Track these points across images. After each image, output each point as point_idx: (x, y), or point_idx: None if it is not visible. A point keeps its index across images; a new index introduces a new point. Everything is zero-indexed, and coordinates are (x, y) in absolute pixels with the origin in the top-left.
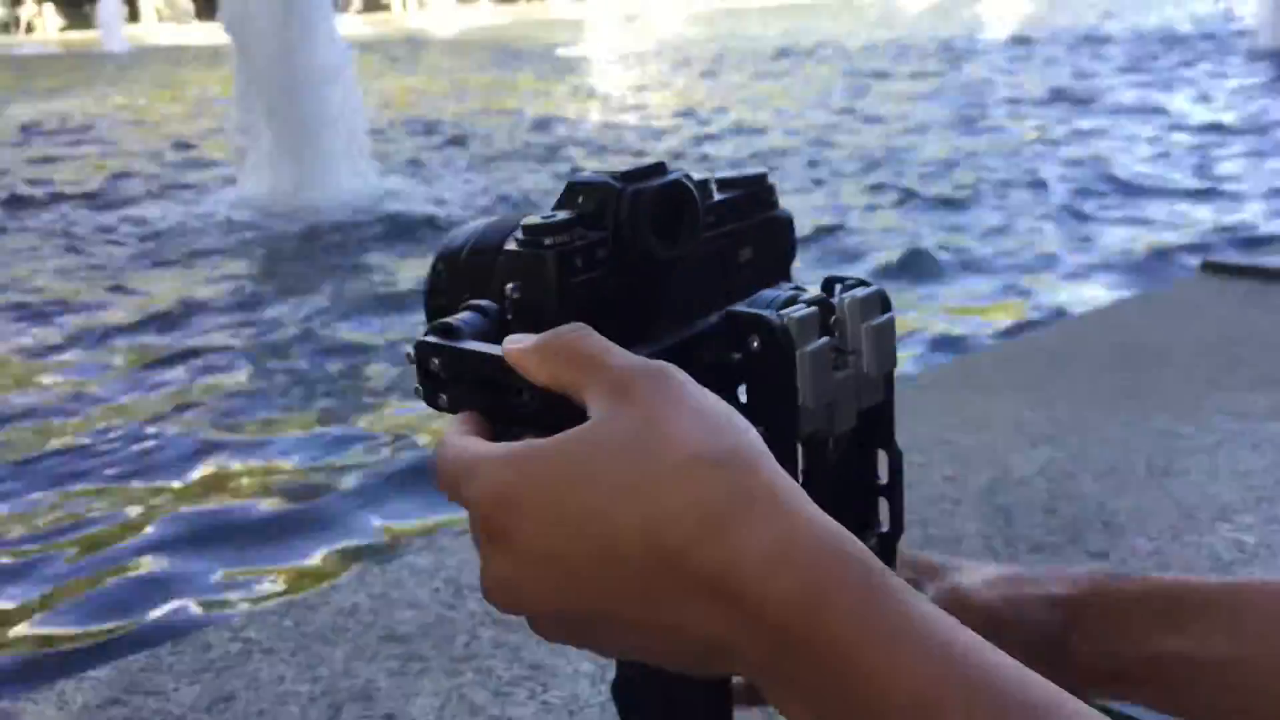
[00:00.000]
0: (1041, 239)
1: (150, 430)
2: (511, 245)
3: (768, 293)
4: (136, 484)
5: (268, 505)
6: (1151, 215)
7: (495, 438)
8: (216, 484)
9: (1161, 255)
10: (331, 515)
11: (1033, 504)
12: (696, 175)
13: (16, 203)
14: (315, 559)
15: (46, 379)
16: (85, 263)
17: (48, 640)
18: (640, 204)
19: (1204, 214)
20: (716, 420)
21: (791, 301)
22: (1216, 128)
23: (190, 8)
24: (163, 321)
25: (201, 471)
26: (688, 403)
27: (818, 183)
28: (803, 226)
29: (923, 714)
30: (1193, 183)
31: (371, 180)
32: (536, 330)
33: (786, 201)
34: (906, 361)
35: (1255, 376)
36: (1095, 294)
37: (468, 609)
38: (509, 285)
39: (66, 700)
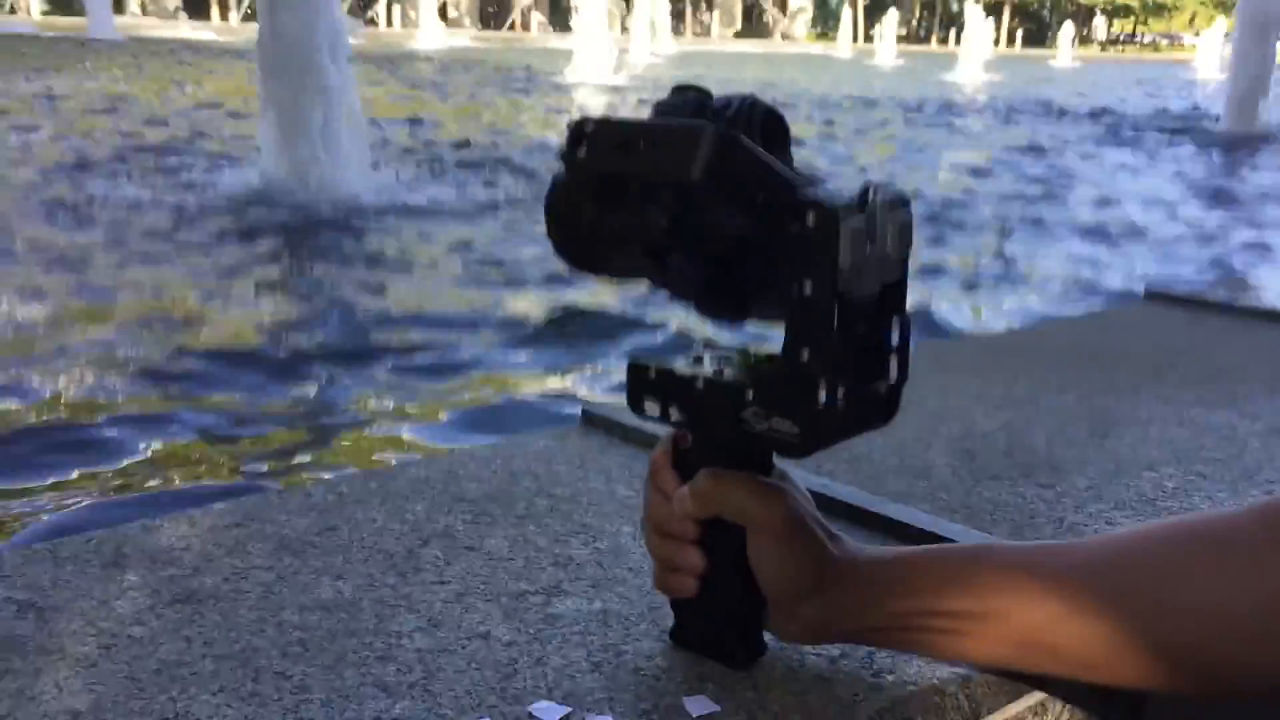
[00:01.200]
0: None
1: None
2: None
3: (827, 186)
4: None
5: None
6: None
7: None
8: None
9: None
10: None
11: (993, 449)
12: None
13: None
14: None
15: None
16: None
17: None
18: (756, 108)
19: None
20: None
21: (839, 193)
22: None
23: (176, 3)
24: None
25: None
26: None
27: None
28: None
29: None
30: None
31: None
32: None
33: None
34: None
35: (1185, 377)
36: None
37: (523, 485)
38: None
39: (196, 522)
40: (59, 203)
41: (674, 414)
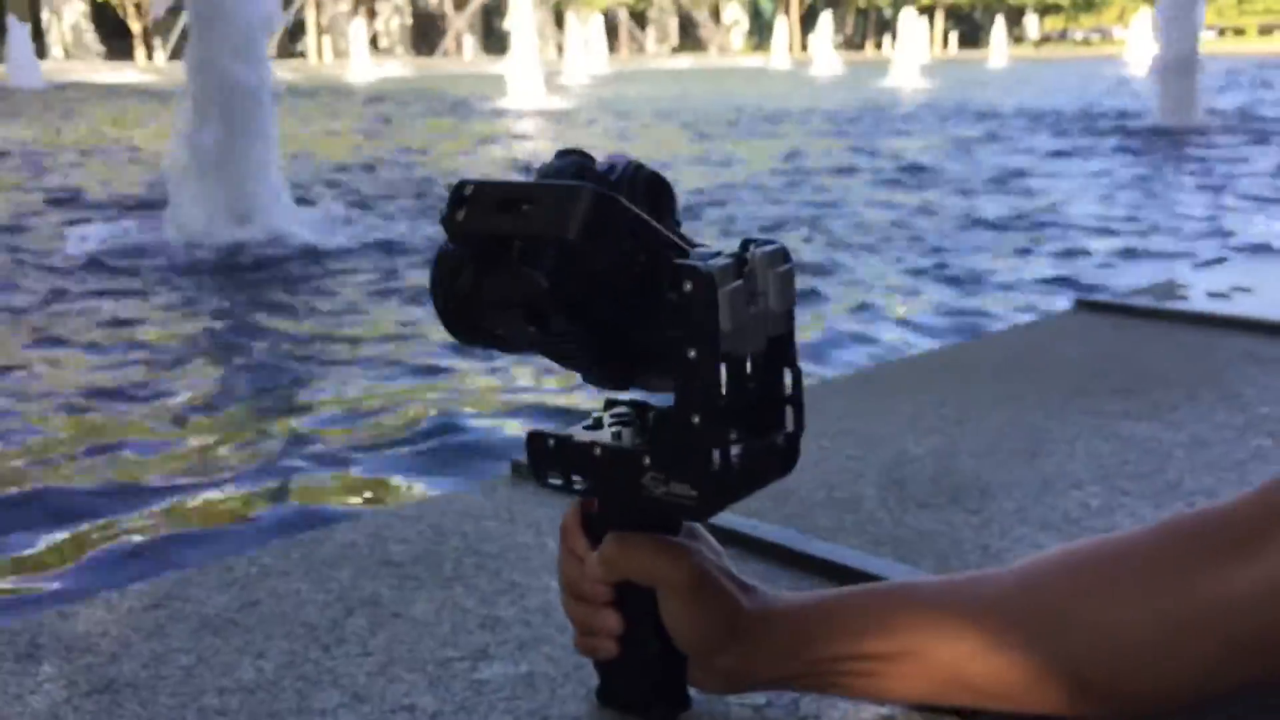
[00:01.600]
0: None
1: None
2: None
3: (699, 250)
4: None
5: None
6: None
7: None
8: None
9: None
10: None
11: (921, 476)
12: None
13: None
14: None
15: None
16: None
17: None
18: (641, 171)
19: None
20: None
21: (716, 255)
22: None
23: (98, 47)
24: None
25: None
26: None
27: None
28: None
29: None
30: None
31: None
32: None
33: None
34: None
35: (1113, 387)
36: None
37: (451, 543)
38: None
39: (113, 606)
40: None
41: (577, 482)
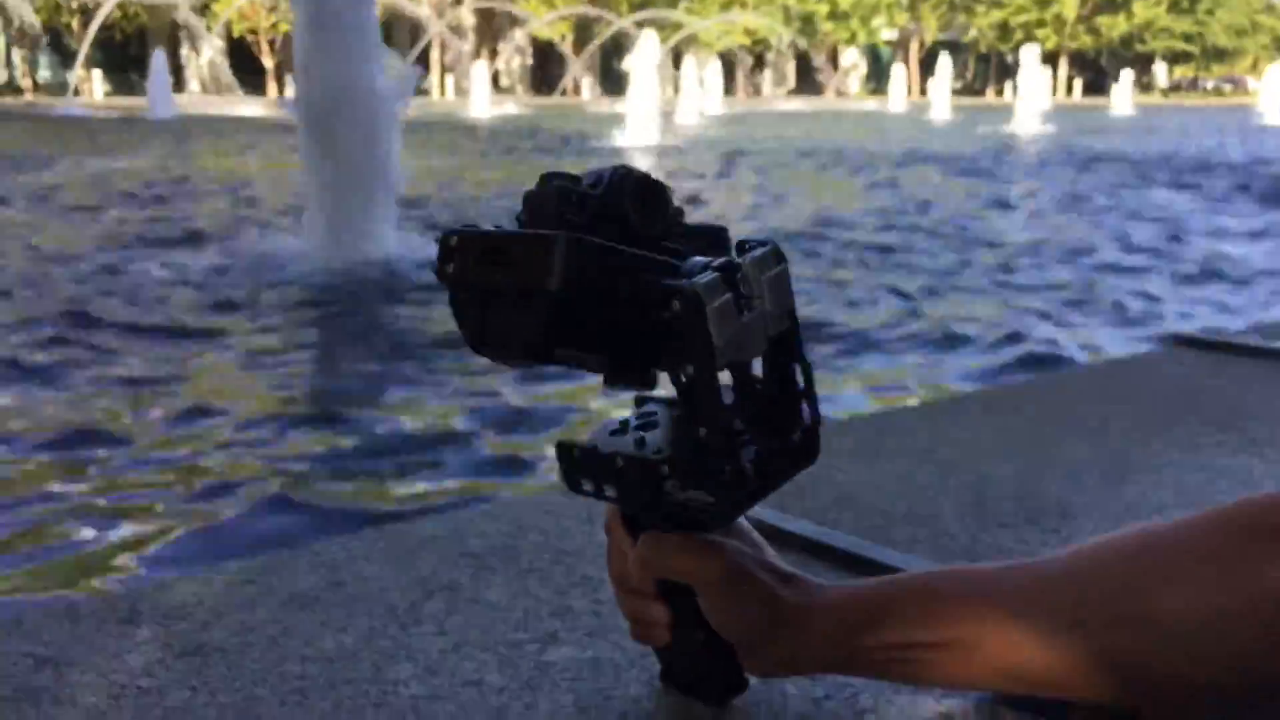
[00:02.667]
0: None
1: None
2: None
3: (690, 263)
4: None
5: None
6: None
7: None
8: None
9: None
10: None
11: (1002, 496)
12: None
13: None
14: None
15: None
16: None
17: None
18: (628, 178)
19: None
20: None
21: (705, 267)
22: None
23: (232, 82)
24: None
25: None
26: None
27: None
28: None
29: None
30: None
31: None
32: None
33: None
34: None
35: (1207, 420)
36: None
37: (529, 539)
38: (519, 214)
39: (209, 581)
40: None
41: (607, 490)
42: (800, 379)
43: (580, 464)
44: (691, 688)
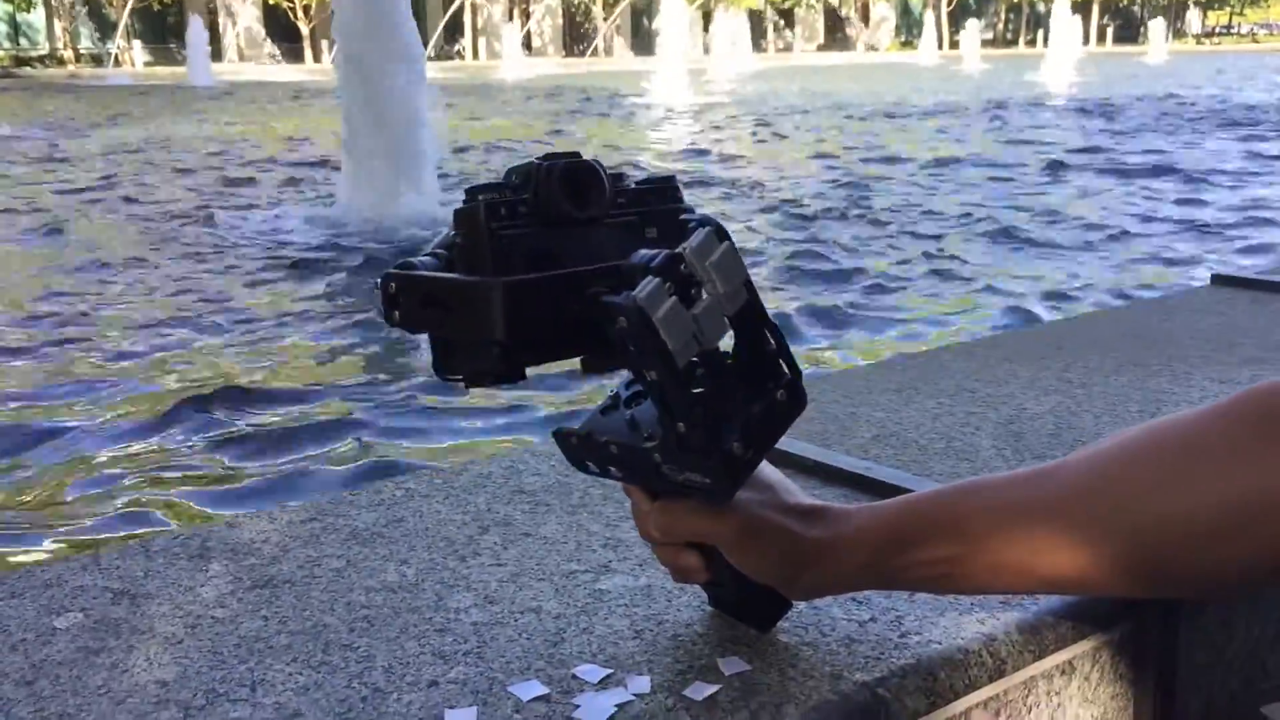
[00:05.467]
0: None
1: None
2: (457, 205)
3: (635, 258)
4: None
5: None
6: None
7: None
8: None
9: None
10: None
11: (1040, 431)
12: (612, 170)
13: None
14: None
15: None
16: None
17: None
18: (553, 172)
19: None
20: None
21: (651, 261)
22: None
23: (270, 49)
24: None
25: None
26: None
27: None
28: None
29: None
30: None
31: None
32: (472, 272)
33: None
34: None
35: (1245, 357)
36: None
37: (580, 477)
38: (454, 234)
39: (275, 518)
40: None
41: (612, 470)
42: (771, 341)
43: (579, 450)
44: (739, 613)
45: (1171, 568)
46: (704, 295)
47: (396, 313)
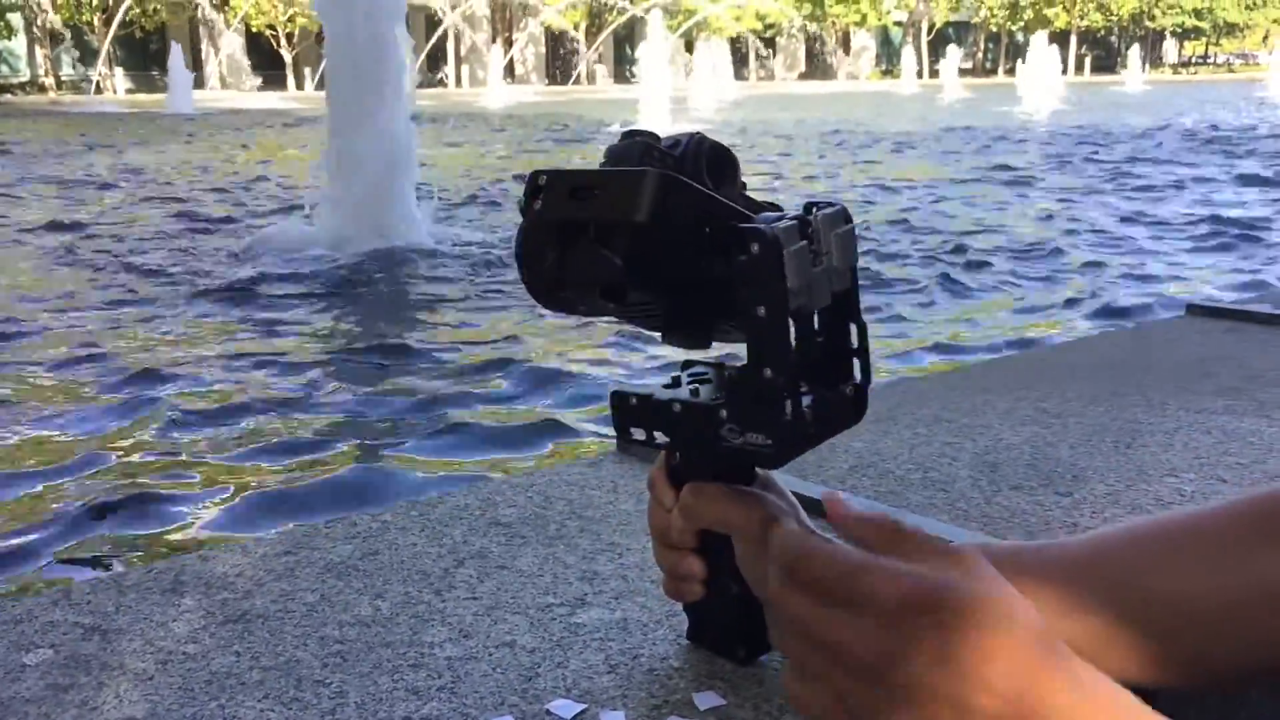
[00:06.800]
0: None
1: None
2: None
3: (765, 215)
4: None
5: None
6: None
7: None
8: None
9: None
10: None
11: (1016, 461)
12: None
13: None
14: None
15: None
16: None
17: None
18: (703, 143)
19: None
20: None
21: (780, 218)
22: None
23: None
24: None
25: None
26: None
27: None
28: None
29: None
30: None
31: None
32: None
33: None
34: None
35: (1220, 387)
36: None
37: (556, 508)
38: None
39: (249, 551)
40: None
41: (659, 437)
42: (855, 338)
43: (636, 411)
44: (719, 644)
45: (1168, 649)
46: (822, 262)
47: (538, 203)
